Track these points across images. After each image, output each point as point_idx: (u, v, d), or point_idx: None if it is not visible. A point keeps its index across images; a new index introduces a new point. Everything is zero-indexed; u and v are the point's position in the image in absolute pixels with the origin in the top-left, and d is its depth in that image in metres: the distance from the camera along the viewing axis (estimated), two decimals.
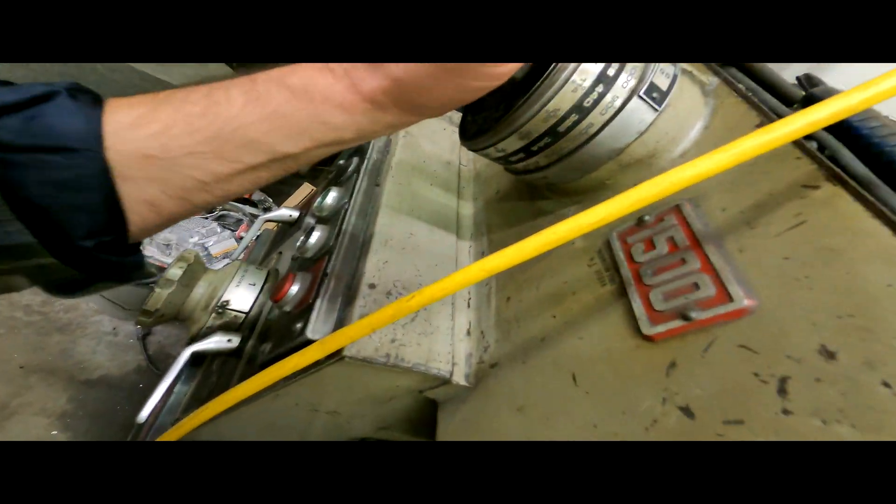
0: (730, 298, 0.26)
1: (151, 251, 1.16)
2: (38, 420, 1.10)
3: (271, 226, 0.98)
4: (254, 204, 1.46)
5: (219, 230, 1.23)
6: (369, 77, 0.27)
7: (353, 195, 0.55)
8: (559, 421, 0.31)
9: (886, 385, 0.19)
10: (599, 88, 0.34)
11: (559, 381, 0.33)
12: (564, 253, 0.39)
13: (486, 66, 0.27)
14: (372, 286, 0.42)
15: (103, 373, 1.25)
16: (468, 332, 0.44)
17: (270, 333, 0.48)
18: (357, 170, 0.62)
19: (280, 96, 0.27)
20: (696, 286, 0.28)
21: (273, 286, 0.61)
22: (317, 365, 0.37)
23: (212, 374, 0.61)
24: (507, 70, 0.28)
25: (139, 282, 1.11)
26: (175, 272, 0.58)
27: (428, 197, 0.58)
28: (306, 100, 0.27)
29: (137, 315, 0.59)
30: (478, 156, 0.56)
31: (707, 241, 0.29)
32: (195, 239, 1.17)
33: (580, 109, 0.35)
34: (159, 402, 0.57)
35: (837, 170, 0.27)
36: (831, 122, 0.25)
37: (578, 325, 0.34)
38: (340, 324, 0.40)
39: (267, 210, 1.46)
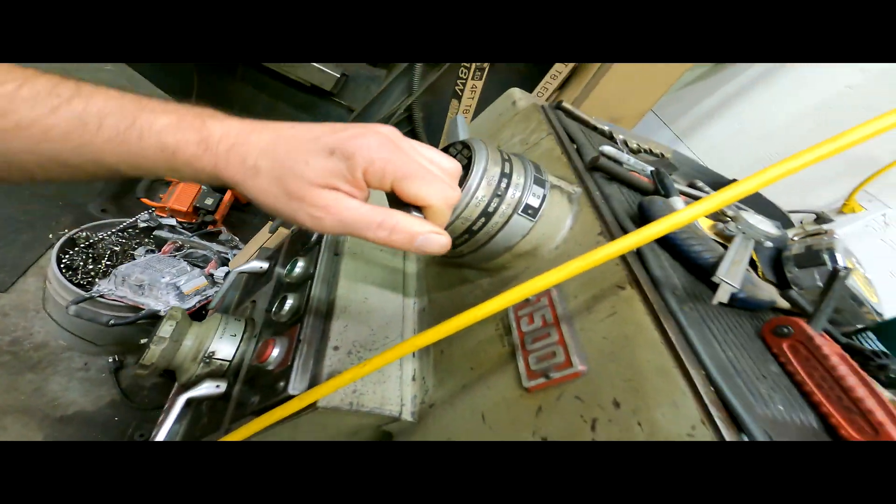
0: (572, 364, 0.39)
1: (124, 291, 1.20)
2: None
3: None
4: (221, 242, 1.52)
5: (188, 269, 1.29)
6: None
7: (318, 265, 0.66)
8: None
9: (639, 424, 0.33)
10: (495, 202, 0.47)
11: (474, 420, 0.45)
12: (484, 321, 0.52)
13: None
14: (336, 348, 0.53)
15: (77, 409, 1.28)
16: (413, 378, 0.56)
17: (256, 384, 0.57)
18: (318, 240, 0.72)
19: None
20: (554, 354, 0.41)
21: (254, 344, 0.69)
22: (296, 414, 0.48)
23: (202, 414, 0.70)
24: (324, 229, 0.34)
25: (113, 323, 1.15)
26: (167, 329, 0.66)
27: (378, 262, 0.70)
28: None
29: (135, 369, 0.66)
30: None
31: (563, 320, 0.42)
32: (167, 279, 1.22)
33: (486, 214, 0.48)
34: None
35: (637, 274, 0.40)
36: (653, 238, 0.37)
37: (487, 377, 0.47)
38: (314, 381, 0.50)
39: (234, 248, 1.52)
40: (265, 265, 0.88)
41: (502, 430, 0.42)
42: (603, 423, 0.35)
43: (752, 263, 0.56)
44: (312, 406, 0.47)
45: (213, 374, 0.68)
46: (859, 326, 0.58)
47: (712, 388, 0.32)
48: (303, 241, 0.76)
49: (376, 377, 0.53)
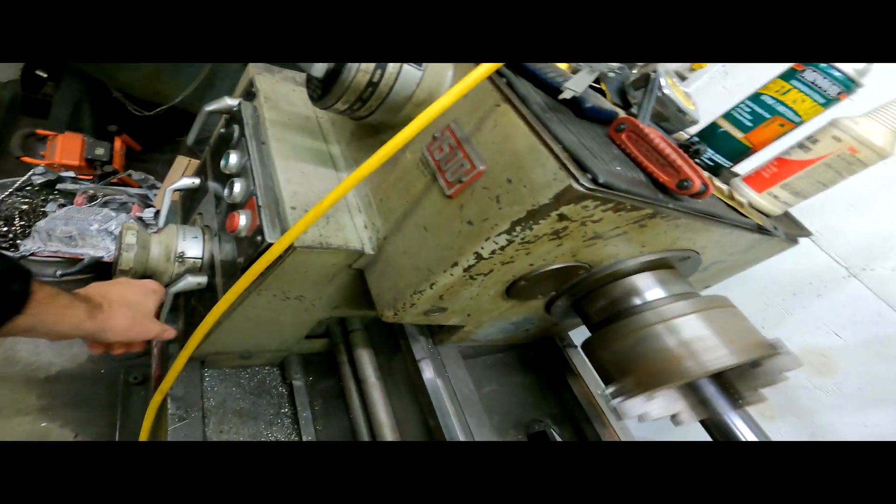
0: (475, 167, 0.52)
1: (56, 245, 1.16)
2: (20, 419, 1.16)
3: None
4: (137, 184, 1.43)
5: (114, 214, 1.25)
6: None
7: (250, 153, 0.71)
8: (420, 253, 0.58)
9: (525, 187, 0.47)
10: (379, 71, 0.56)
11: (418, 231, 0.59)
12: (406, 165, 0.63)
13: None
14: (293, 208, 0.63)
15: (58, 369, 1.29)
16: (365, 226, 0.67)
17: (242, 250, 0.66)
18: (242, 134, 0.76)
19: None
20: (462, 165, 0.54)
21: (218, 242, 0.76)
22: (279, 260, 0.59)
23: (193, 309, 0.78)
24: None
25: (61, 274, 1.13)
26: (130, 237, 0.71)
27: (304, 145, 0.76)
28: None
29: (116, 276, 0.71)
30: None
31: (464, 141, 0.55)
32: (95, 226, 1.18)
33: (371, 84, 0.56)
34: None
35: (508, 95, 0.52)
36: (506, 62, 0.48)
37: (420, 201, 0.60)
38: (283, 232, 0.61)
39: (151, 187, 1.45)
40: (196, 180, 0.91)
41: (440, 231, 0.56)
42: (503, 195, 0.49)
43: (603, 92, 0.70)
44: (291, 249, 0.58)
45: (191, 271, 0.76)
46: (685, 130, 0.77)
47: (566, 153, 0.47)
48: (226, 141, 0.79)
49: (334, 227, 0.64)
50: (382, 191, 0.66)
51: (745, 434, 0.61)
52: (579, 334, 1.05)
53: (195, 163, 1.44)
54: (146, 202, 1.43)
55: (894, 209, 0.94)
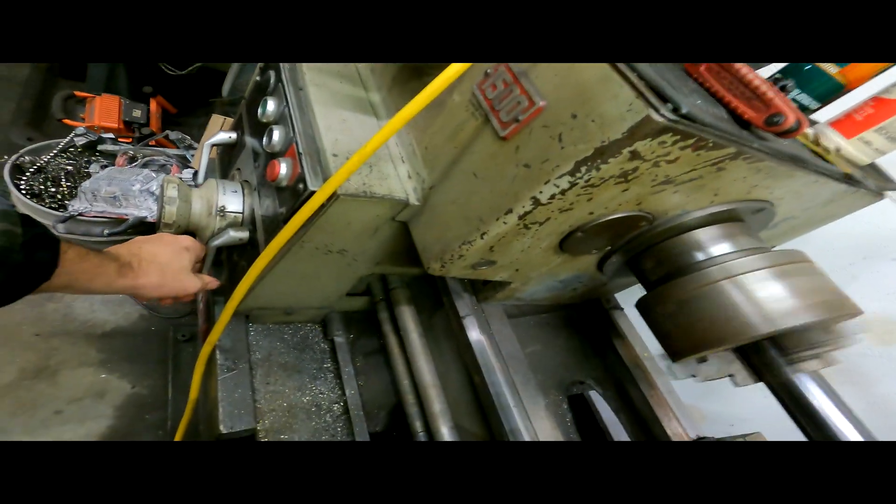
0: (534, 103, 0.47)
1: (101, 206, 1.18)
2: (83, 370, 1.22)
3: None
4: (174, 145, 1.44)
5: (154, 175, 1.25)
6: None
7: (289, 100, 0.68)
8: (470, 201, 0.54)
9: (593, 121, 0.42)
10: None
11: (467, 178, 0.55)
12: (454, 107, 0.58)
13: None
14: (335, 155, 0.60)
15: (113, 326, 1.35)
16: (409, 176, 0.64)
17: (283, 200, 0.64)
18: (279, 80, 0.72)
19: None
20: (519, 103, 0.49)
21: (258, 196, 0.74)
22: (322, 209, 0.57)
23: (236, 264, 0.78)
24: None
25: (108, 233, 1.16)
26: (172, 191, 0.70)
27: (343, 92, 0.72)
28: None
29: (161, 230, 0.71)
30: None
31: (520, 76, 0.49)
32: (137, 186, 1.20)
33: None
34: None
35: None
36: None
37: (469, 146, 0.55)
38: (325, 179, 0.58)
39: (188, 148, 1.45)
40: (233, 134, 0.89)
41: (492, 176, 0.52)
42: (567, 133, 0.44)
43: None
44: (334, 197, 0.55)
45: (232, 226, 0.75)
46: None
47: (643, 81, 0.41)
48: (262, 90, 0.76)
49: (378, 176, 0.61)
50: (427, 137, 0.62)
51: (817, 396, 0.56)
52: (625, 296, 1.00)
53: (230, 120, 1.43)
54: (184, 163, 1.43)
55: None
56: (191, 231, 0.74)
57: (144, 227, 1.20)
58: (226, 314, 0.70)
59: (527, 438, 0.63)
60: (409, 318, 0.79)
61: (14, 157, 1.21)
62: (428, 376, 0.73)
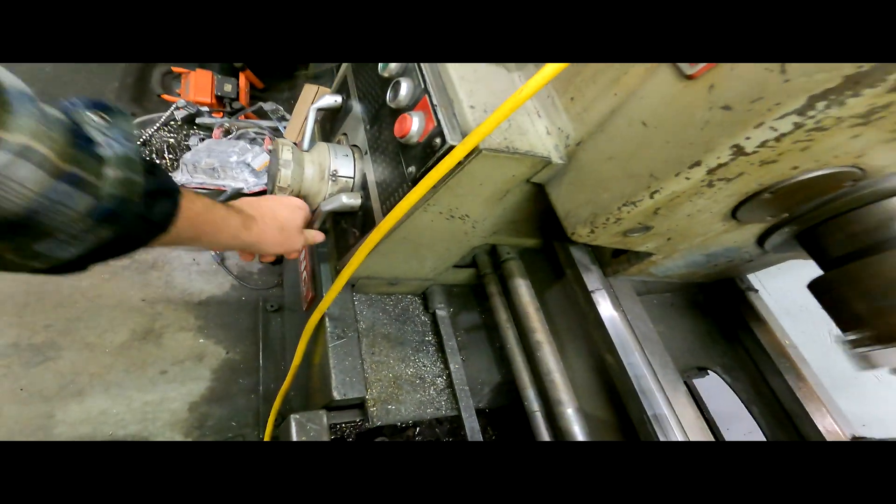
0: None
1: (201, 178, 1.21)
2: (184, 335, 1.29)
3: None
4: (267, 116, 1.45)
5: (250, 147, 1.27)
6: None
7: None
8: (636, 155, 0.47)
9: None
10: None
11: (633, 129, 0.47)
12: None
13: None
14: (472, 107, 0.54)
15: (209, 294, 1.41)
16: (548, 132, 0.57)
17: (412, 159, 0.59)
18: None
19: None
20: None
21: (370, 162, 0.70)
22: (459, 165, 0.51)
23: (344, 231, 0.75)
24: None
25: None
26: (286, 153, 0.68)
27: None
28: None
29: (275, 193, 0.69)
30: None
31: None
32: (234, 158, 1.22)
33: None
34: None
35: None
36: None
37: (637, 91, 0.47)
38: (464, 134, 0.52)
39: (281, 119, 1.46)
40: (338, 98, 0.85)
41: (670, 124, 0.44)
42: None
43: None
44: (476, 152, 0.50)
45: (344, 191, 0.72)
46: None
47: None
48: None
49: (517, 132, 0.54)
50: (574, 87, 0.55)
51: None
52: (759, 278, 0.88)
53: (325, 89, 1.42)
54: (277, 135, 1.44)
55: None
56: (302, 195, 0.72)
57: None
58: (339, 282, 0.68)
59: (672, 425, 0.57)
60: (524, 291, 0.73)
61: None
62: (550, 356, 0.67)
